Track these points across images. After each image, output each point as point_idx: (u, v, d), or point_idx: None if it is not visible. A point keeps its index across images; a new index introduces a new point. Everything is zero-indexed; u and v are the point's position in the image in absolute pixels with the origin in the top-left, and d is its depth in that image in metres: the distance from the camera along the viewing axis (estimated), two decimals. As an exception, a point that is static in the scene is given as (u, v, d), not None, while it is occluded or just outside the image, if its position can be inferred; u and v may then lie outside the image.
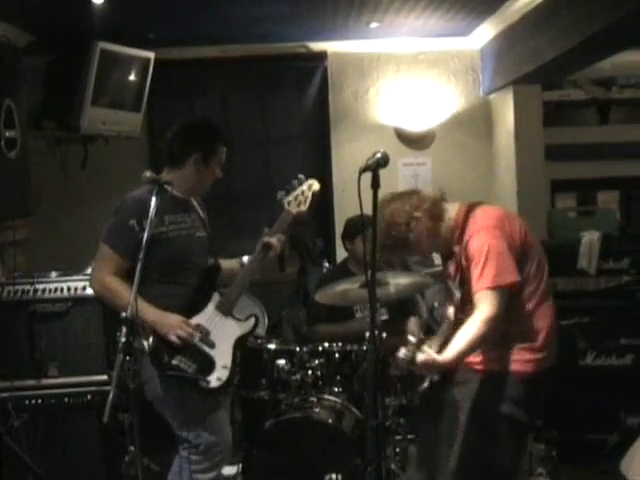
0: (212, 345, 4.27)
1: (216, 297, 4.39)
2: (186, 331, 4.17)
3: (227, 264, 4.61)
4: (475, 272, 3.72)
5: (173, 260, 4.23)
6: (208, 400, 4.27)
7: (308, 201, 4.61)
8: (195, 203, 4.50)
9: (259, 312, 6.39)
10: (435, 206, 3.93)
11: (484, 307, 3.66)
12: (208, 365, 4.25)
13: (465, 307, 3.87)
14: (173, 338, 4.13)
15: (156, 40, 6.77)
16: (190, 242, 4.37)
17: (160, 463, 5.30)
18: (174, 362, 4.17)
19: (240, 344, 4.42)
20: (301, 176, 4.65)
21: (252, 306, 6.38)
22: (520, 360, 3.83)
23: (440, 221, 3.91)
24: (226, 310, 4.37)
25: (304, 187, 4.63)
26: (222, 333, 4.33)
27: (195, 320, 4.28)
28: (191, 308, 4.32)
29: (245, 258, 4.56)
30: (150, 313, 4.13)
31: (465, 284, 3.86)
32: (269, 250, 4.45)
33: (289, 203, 4.57)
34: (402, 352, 3.62)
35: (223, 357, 4.29)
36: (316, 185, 4.65)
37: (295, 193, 4.60)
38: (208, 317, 4.33)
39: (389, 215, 3.86)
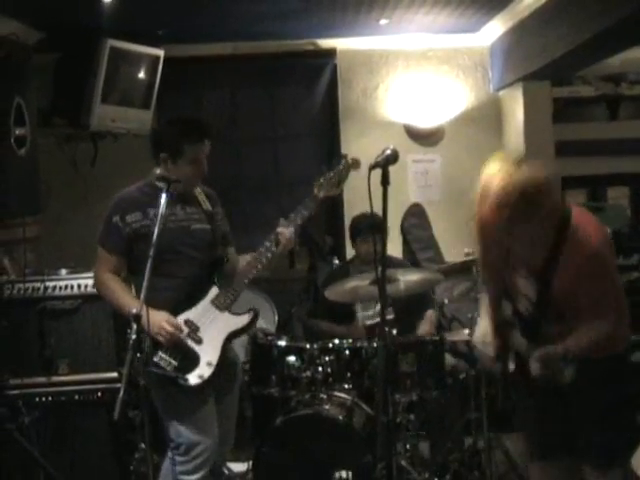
0: (199, 341, 4.18)
1: (214, 291, 4.28)
2: (168, 331, 4.07)
3: (242, 259, 4.50)
4: (598, 296, 3.57)
5: (158, 253, 3.90)
6: (190, 398, 4.18)
7: (343, 181, 4.41)
8: (201, 196, 4.41)
9: (269, 309, 6.39)
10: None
11: (608, 327, 3.59)
12: (191, 362, 4.14)
13: (547, 310, 3.68)
14: (156, 336, 4.06)
15: (165, 37, 6.78)
16: (181, 234, 4.25)
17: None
18: (154, 359, 4.08)
19: (234, 338, 4.35)
20: (346, 154, 4.43)
21: (262, 302, 6.39)
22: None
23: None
24: (222, 305, 4.26)
25: (341, 166, 4.43)
26: (213, 328, 4.23)
27: (186, 315, 4.21)
28: (185, 301, 4.24)
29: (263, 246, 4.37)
30: (135, 309, 4.07)
31: (548, 285, 3.63)
32: (278, 242, 4.29)
33: (320, 186, 4.38)
34: (534, 366, 3.55)
35: (209, 354, 4.18)
36: (357, 163, 4.41)
37: (330, 174, 4.42)
38: (200, 312, 4.23)
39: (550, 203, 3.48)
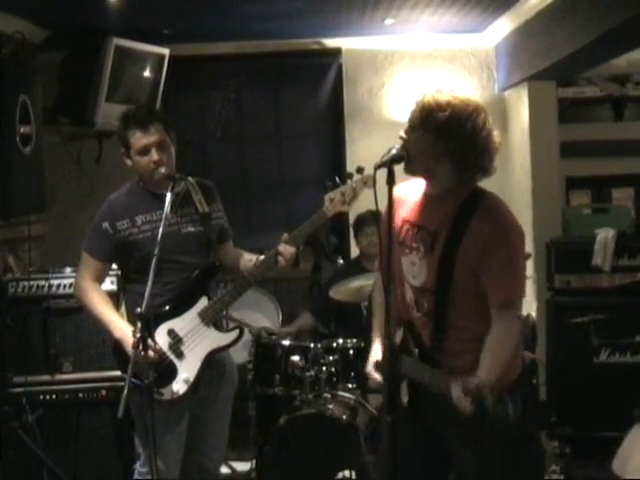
0: (180, 355, 4.05)
1: (203, 302, 4.11)
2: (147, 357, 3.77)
3: (245, 258, 4.32)
4: (507, 275, 3.28)
5: (146, 261, 3.83)
6: (160, 413, 3.84)
7: (355, 200, 4.02)
8: (198, 196, 4.20)
9: (273, 308, 6.40)
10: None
11: (514, 317, 3.33)
12: (169, 375, 4.02)
13: (447, 303, 3.34)
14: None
15: (171, 36, 6.78)
16: (170, 239, 3.97)
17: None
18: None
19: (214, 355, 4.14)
20: (362, 167, 3.99)
21: (266, 302, 6.40)
22: None
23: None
24: (208, 319, 4.09)
25: (355, 184, 4.01)
26: (196, 343, 4.08)
27: (170, 324, 4.07)
28: (172, 309, 4.09)
29: (262, 257, 4.18)
30: (117, 330, 4.01)
31: (451, 261, 3.30)
32: (277, 262, 4.07)
33: (331, 200, 4.01)
34: (455, 392, 3.13)
35: (188, 370, 4.05)
36: (370, 181, 3.91)
37: (343, 189, 4.03)
38: (186, 323, 4.08)
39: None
